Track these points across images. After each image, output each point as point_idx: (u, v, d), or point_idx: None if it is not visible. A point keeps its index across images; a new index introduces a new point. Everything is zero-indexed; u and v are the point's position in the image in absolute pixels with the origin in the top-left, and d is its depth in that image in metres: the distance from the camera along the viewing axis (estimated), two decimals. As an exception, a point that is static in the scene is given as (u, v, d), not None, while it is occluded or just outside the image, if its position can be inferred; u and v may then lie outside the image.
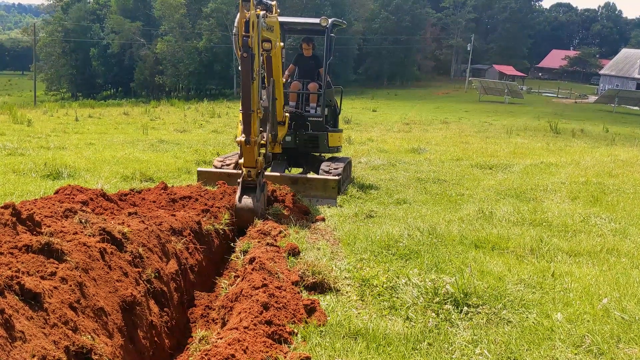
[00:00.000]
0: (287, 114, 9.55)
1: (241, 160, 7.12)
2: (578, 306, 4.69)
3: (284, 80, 10.61)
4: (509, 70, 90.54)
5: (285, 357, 3.53)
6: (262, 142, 7.46)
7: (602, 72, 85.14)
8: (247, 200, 7.00)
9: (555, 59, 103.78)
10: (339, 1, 74.94)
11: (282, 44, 8.83)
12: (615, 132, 27.91)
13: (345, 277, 5.35)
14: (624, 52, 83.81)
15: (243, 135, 6.95)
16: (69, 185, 5.64)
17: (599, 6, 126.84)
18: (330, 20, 9.84)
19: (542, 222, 7.83)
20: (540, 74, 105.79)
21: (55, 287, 3.02)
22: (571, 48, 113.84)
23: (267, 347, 3.46)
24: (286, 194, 8.32)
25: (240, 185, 7.08)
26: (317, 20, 10.01)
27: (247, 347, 3.34)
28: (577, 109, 53.61)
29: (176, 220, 5.37)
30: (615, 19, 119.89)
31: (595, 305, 4.69)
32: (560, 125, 27.89)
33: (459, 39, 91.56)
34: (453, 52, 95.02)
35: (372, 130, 24.45)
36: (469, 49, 79.67)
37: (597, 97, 65.55)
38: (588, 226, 7.72)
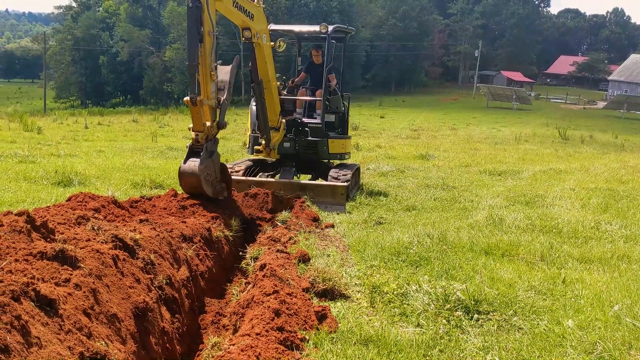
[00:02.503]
0: (282, 120, 9.56)
1: (191, 125, 6.92)
2: (589, 313, 4.67)
3: (290, 83, 10.67)
4: (517, 76, 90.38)
5: (296, 363, 3.54)
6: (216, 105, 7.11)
7: (610, 77, 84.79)
8: (191, 163, 6.69)
9: (564, 64, 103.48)
10: (347, 8, 75.14)
11: (272, 43, 8.83)
12: (624, 139, 27.77)
13: (356, 283, 5.36)
14: (633, 57, 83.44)
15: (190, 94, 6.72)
16: (81, 192, 5.69)
17: (608, 12, 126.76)
18: (331, 27, 9.87)
19: (552, 228, 7.80)
20: (548, 80, 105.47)
21: (69, 294, 3.05)
22: (579, 54, 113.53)
23: (279, 353, 3.47)
24: (295, 200, 8.35)
25: (188, 149, 6.88)
26: (316, 28, 10.03)
27: (259, 354, 3.35)
28: (585, 115, 53.42)
29: (187, 227, 5.40)
30: (624, 25, 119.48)
31: (606, 312, 4.67)
32: (569, 132, 27.79)
33: (466, 45, 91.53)
34: (461, 59, 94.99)
35: (380, 137, 24.47)
36: (476, 55, 79.64)
37: (606, 103, 65.26)
38: (599, 233, 7.68)
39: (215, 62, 6.97)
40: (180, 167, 6.74)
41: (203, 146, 6.81)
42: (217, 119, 7.10)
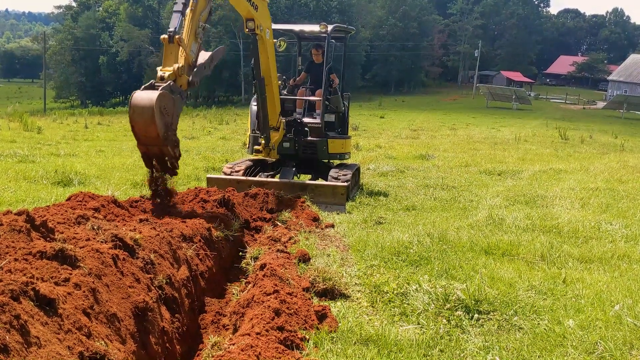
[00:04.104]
0: (282, 120, 9.55)
1: (159, 67, 6.18)
2: (590, 312, 4.67)
3: (291, 83, 10.67)
4: (517, 76, 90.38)
5: (297, 363, 3.54)
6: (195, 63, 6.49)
7: (610, 77, 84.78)
8: (148, 92, 5.66)
9: (563, 64, 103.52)
10: (346, 8, 75.19)
11: (275, 40, 8.85)
12: (624, 139, 27.78)
13: (356, 283, 5.35)
14: (633, 57, 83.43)
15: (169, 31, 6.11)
16: (81, 192, 5.68)
17: (607, 12, 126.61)
18: (330, 27, 9.86)
19: (552, 228, 7.80)
20: (548, 80, 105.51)
21: (69, 293, 3.04)
22: (579, 54, 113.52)
23: (279, 353, 3.46)
24: (295, 200, 8.34)
25: (149, 83, 6.00)
26: (316, 27, 10.02)
27: (259, 353, 3.34)
28: (585, 115, 53.44)
29: (187, 226, 5.39)
30: (624, 25, 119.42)
31: (607, 311, 4.66)
32: (569, 132, 27.80)
33: (466, 45, 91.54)
34: (460, 59, 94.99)
35: (380, 137, 24.46)
36: (476, 55, 79.64)
37: (605, 103, 65.28)
38: (599, 232, 7.68)
39: (205, 24, 6.61)
40: (132, 95, 5.67)
41: (167, 83, 5.91)
42: (190, 78, 6.36)
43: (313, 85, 10.65)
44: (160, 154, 6.03)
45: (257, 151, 9.47)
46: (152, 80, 6.01)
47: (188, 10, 6.34)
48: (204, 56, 6.72)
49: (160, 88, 5.75)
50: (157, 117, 5.54)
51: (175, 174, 6.32)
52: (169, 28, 6.15)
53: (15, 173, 10.25)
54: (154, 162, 6.19)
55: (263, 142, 9.29)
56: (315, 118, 10.21)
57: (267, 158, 10.11)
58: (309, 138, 9.87)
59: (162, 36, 6.17)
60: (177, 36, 6.06)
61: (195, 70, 6.46)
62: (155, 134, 5.65)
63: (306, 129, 9.86)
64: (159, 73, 6.05)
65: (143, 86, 5.91)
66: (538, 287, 5.32)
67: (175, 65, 6.07)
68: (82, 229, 4.03)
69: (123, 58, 72.24)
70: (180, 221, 5.51)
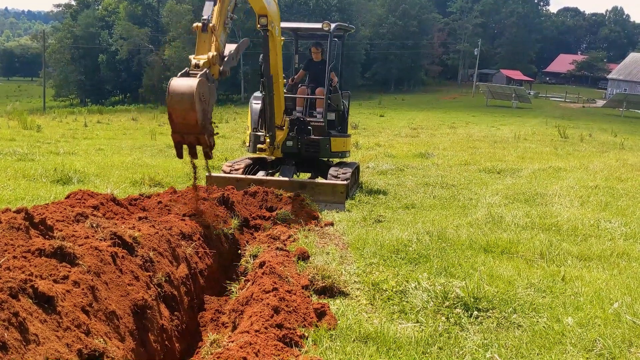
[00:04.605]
0: (287, 119, 9.55)
1: (192, 55, 6.21)
2: (589, 310, 4.67)
3: (290, 81, 10.66)
4: (517, 74, 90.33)
5: (296, 360, 3.54)
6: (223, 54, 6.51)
7: (610, 76, 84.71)
8: (186, 79, 5.65)
9: (563, 63, 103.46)
10: (346, 6, 75.11)
11: (282, 38, 8.89)
12: (623, 137, 27.77)
13: (355, 281, 5.36)
14: (632, 56, 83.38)
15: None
16: (80, 190, 5.67)
17: (607, 10, 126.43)
18: (333, 25, 9.86)
19: (551, 226, 7.80)
20: (547, 79, 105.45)
21: (68, 291, 3.04)
22: (579, 52, 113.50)
23: (278, 350, 3.47)
24: (295, 198, 8.34)
25: (183, 71, 5.98)
26: (319, 25, 10.02)
27: (258, 350, 3.35)
28: (585, 114, 53.41)
29: (186, 224, 5.39)
30: (623, 23, 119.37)
31: (606, 309, 4.67)
32: (568, 130, 27.80)
33: (466, 44, 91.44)
34: (460, 57, 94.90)
35: (380, 135, 24.46)
36: (476, 53, 79.61)
37: (605, 102, 65.25)
38: (598, 230, 7.68)
39: (232, 14, 6.69)
40: (170, 83, 5.61)
41: (203, 71, 5.89)
42: (221, 67, 6.36)
43: (312, 83, 10.64)
44: (196, 143, 6.00)
45: (261, 150, 9.47)
46: (186, 68, 6.01)
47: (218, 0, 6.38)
48: (229, 48, 6.75)
49: (197, 75, 5.74)
50: (196, 104, 5.51)
51: (211, 157, 6.35)
52: (202, 16, 6.20)
53: (15, 171, 10.25)
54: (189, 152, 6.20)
55: (268, 140, 9.28)
56: (315, 116, 10.21)
57: (267, 156, 10.10)
58: (312, 136, 9.88)
59: (195, 24, 6.23)
60: (211, 24, 6.11)
61: (225, 59, 6.47)
62: (195, 121, 5.60)
63: (309, 127, 9.88)
64: (193, 61, 6.05)
65: (180, 73, 5.91)
66: (537, 284, 5.32)
67: (210, 54, 6.09)
68: (81, 227, 4.03)
69: (122, 56, 72.10)
70: (179, 219, 5.51)
